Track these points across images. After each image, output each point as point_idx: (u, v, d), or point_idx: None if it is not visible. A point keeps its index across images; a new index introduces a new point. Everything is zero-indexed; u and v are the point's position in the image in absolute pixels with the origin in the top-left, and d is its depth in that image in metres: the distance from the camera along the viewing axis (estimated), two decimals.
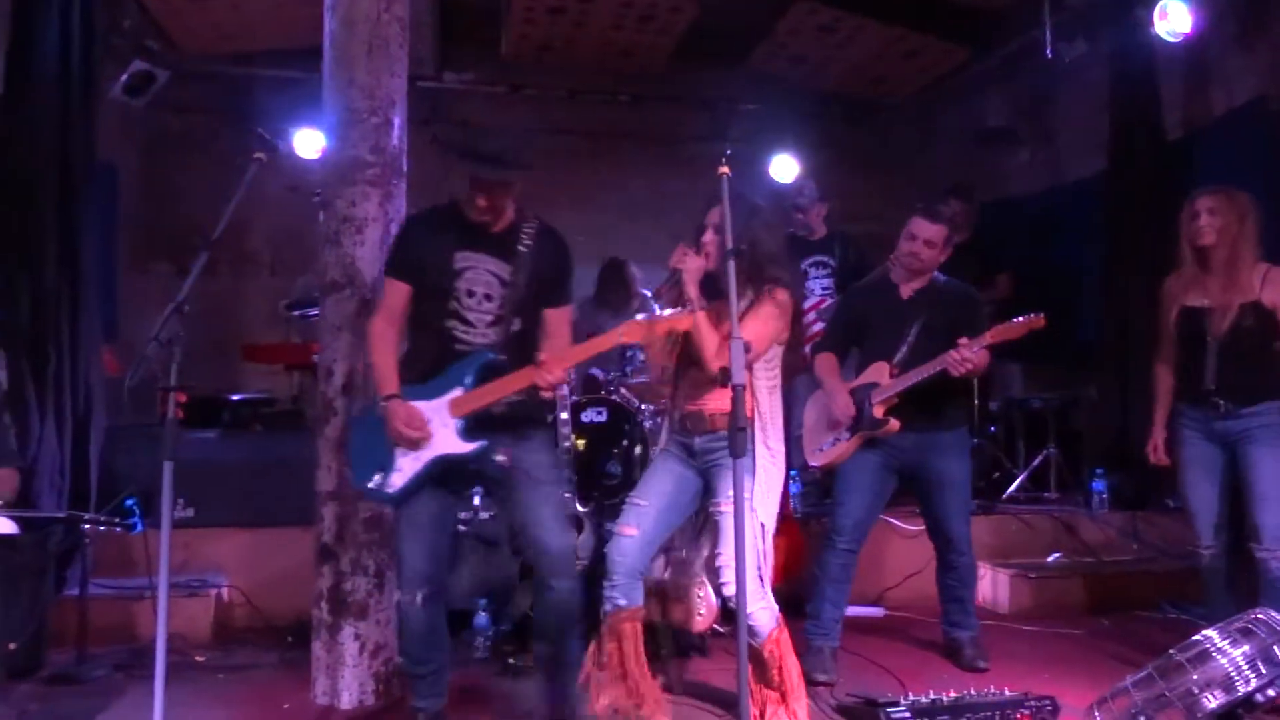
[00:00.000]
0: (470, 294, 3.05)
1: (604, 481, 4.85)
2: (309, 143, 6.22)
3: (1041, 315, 3.51)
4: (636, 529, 3.12)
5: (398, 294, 3.09)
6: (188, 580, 4.46)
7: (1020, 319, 3.52)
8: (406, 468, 2.98)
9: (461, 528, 4.18)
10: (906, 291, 3.87)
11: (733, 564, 2.79)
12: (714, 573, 3.20)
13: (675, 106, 7.55)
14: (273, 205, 6.46)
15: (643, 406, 4.99)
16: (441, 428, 2.97)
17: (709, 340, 2.97)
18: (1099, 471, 5.55)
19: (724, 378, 2.52)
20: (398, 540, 3.10)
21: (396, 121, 3.70)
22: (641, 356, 3.23)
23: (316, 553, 3.59)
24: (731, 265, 2.63)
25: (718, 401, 3.06)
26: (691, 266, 3.01)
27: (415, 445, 2.97)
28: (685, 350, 3.12)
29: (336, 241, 3.62)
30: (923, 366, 3.64)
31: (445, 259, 3.04)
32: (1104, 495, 5.49)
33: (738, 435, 2.46)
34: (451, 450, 2.97)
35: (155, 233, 6.85)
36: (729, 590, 2.93)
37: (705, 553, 3.45)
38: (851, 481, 3.82)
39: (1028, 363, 6.91)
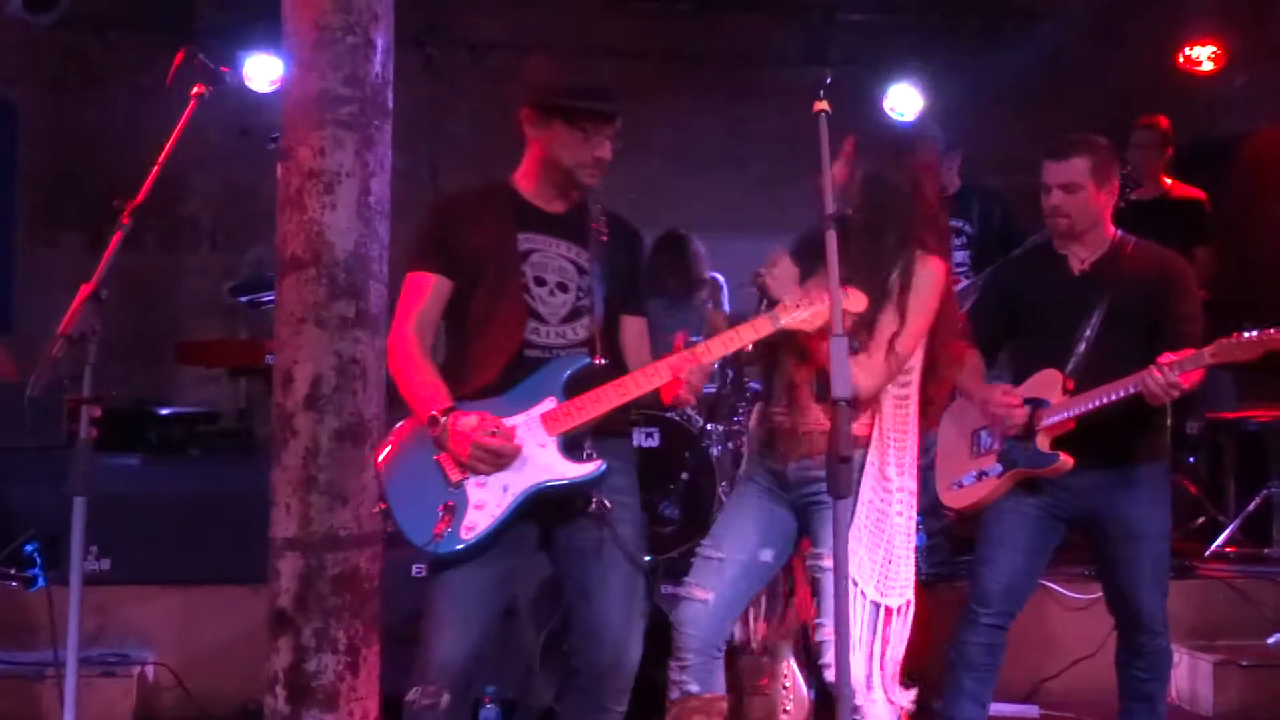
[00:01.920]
0: (541, 282, 3.09)
1: (657, 529, 4.84)
2: (264, 72, 6.30)
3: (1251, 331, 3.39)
4: (711, 592, 3.13)
5: (434, 293, 3.10)
6: (102, 655, 4.52)
7: (1255, 333, 3.37)
8: (490, 503, 2.93)
9: None
10: (1078, 264, 3.78)
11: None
12: (811, 650, 3.20)
13: (754, 17, 7.54)
14: (214, 154, 6.55)
15: (709, 427, 4.98)
16: (535, 448, 2.95)
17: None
18: None
19: (822, 390, 2.50)
20: (427, 615, 3.05)
21: (379, 42, 3.73)
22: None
23: (270, 621, 3.61)
24: (833, 237, 2.62)
25: (817, 414, 3.06)
26: (780, 276, 3.01)
27: (499, 466, 2.92)
28: (776, 346, 3.11)
29: (299, 204, 3.65)
30: (1112, 384, 3.52)
31: (504, 240, 3.09)
32: None
33: (839, 468, 2.44)
34: (556, 475, 2.94)
35: (63, 192, 6.99)
36: (830, 675, 2.93)
37: (794, 622, 3.45)
38: (1003, 533, 3.75)
39: (1239, 369, 6.76)
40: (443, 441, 2.91)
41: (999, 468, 3.71)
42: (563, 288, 3.11)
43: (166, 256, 7.19)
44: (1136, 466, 3.72)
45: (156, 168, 2.94)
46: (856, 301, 2.89)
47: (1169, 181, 5.93)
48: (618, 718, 3.08)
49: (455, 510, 2.92)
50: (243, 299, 5.84)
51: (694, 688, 3.11)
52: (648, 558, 4.57)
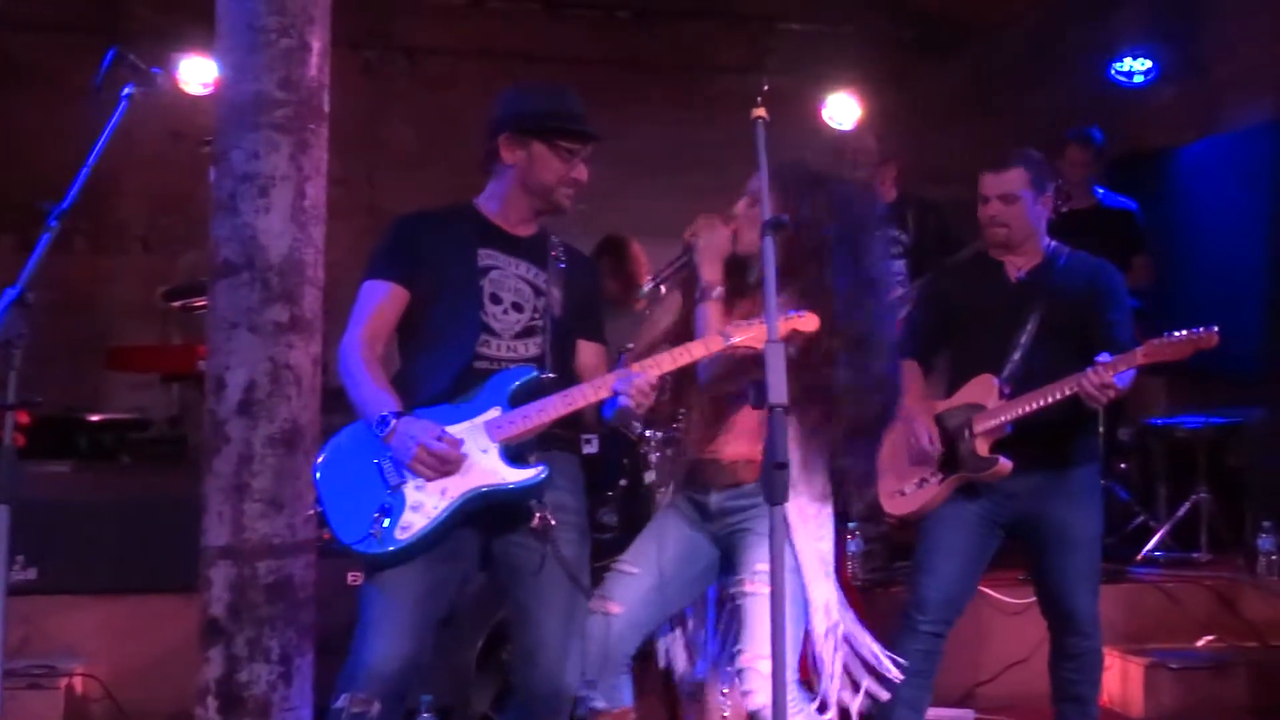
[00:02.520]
0: (496, 299, 3.11)
1: (595, 535, 4.83)
2: (197, 74, 6.24)
3: (1215, 331, 3.45)
4: (621, 605, 3.11)
5: (390, 303, 3.09)
6: (28, 666, 4.43)
7: (1183, 333, 3.45)
8: (428, 505, 2.92)
9: None
10: (1015, 271, 3.84)
11: (761, 665, 2.79)
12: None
13: (694, 25, 7.57)
14: (147, 157, 6.47)
15: (648, 434, 4.98)
16: (479, 454, 2.96)
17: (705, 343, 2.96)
18: (1267, 524, 5.52)
19: (758, 397, 2.50)
20: (361, 620, 3.02)
21: (315, 44, 3.71)
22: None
23: (202, 631, 3.58)
24: (770, 243, 2.62)
25: (740, 444, 3.07)
26: (709, 241, 3.05)
27: (443, 472, 2.92)
28: (690, 375, 3.11)
29: (233, 208, 3.63)
30: (1048, 387, 3.58)
31: (463, 254, 3.11)
32: (1274, 557, 5.45)
33: (776, 475, 2.43)
34: (496, 480, 2.94)
35: None
36: (751, 702, 2.93)
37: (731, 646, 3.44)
38: (942, 540, 3.79)
39: (1171, 377, 6.89)
40: (390, 442, 2.91)
41: (939, 475, 3.76)
42: (518, 307, 3.12)
43: (97, 260, 7.11)
44: (1070, 470, 3.77)
45: (85, 169, 2.90)
46: (809, 322, 2.91)
47: (1102, 192, 6.03)
48: None
49: (392, 511, 2.91)
50: (175, 304, 5.78)
51: (600, 704, 3.02)
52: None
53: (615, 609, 3.11)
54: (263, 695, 3.53)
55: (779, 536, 2.49)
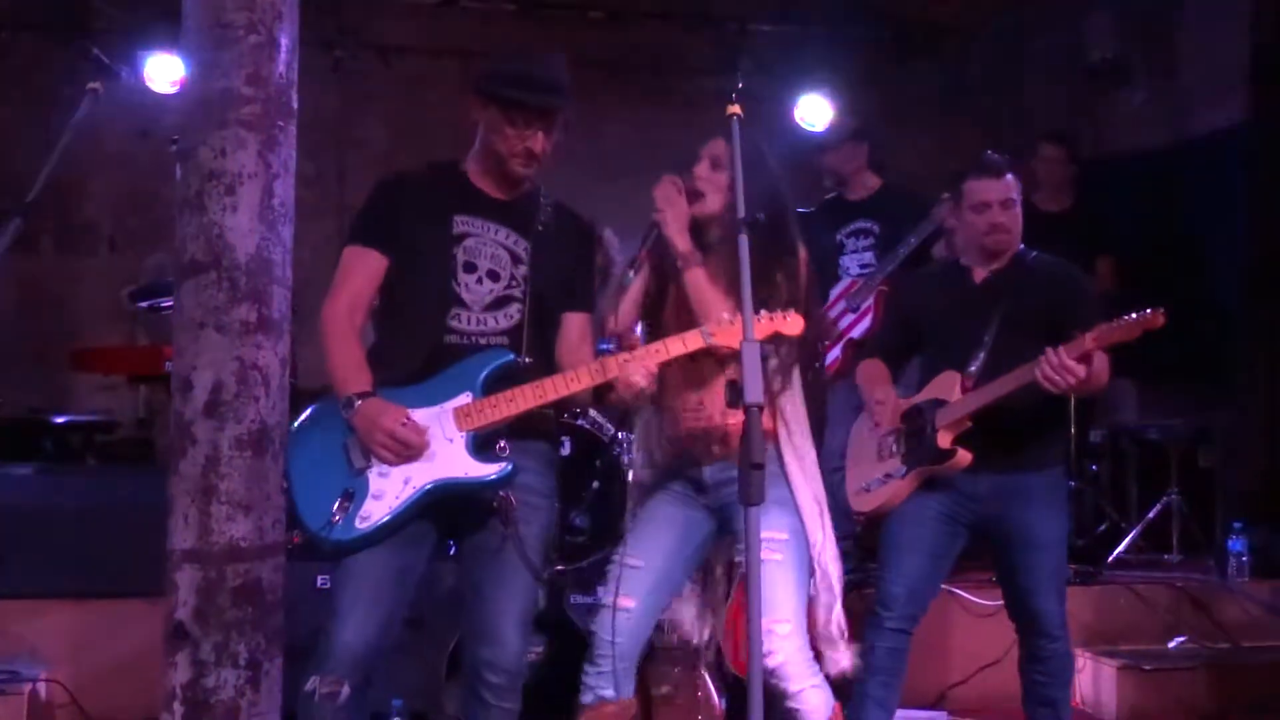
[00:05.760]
0: (471, 268, 3.08)
1: (568, 538, 4.82)
2: (165, 72, 6.19)
3: (1160, 311, 3.49)
4: (634, 600, 3.17)
5: (369, 269, 3.09)
6: None
7: (1132, 315, 3.51)
8: (389, 494, 2.92)
9: None
10: (981, 274, 3.86)
11: (779, 628, 2.90)
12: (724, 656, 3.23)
13: (667, 25, 7.57)
14: (114, 156, 6.44)
15: (620, 434, 4.96)
16: (443, 442, 2.94)
17: (714, 304, 3.01)
18: (1237, 526, 5.56)
19: (734, 396, 2.52)
20: (333, 602, 3.02)
21: (284, 41, 3.67)
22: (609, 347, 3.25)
23: (167, 635, 3.53)
24: (745, 240, 2.63)
25: (732, 412, 3.07)
26: (673, 213, 3.10)
27: (406, 458, 2.91)
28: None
29: (199, 206, 3.58)
30: (1005, 376, 3.62)
31: (438, 220, 3.09)
32: (1244, 558, 5.50)
33: (751, 475, 2.44)
34: (460, 473, 2.93)
35: None
36: (774, 661, 3.02)
37: (708, 629, 3.46)
38: (904, 536, 3.81)
39: (1143, 379, 6.93)
40: (353, 425, 2.91)
41: (903, 469, 3.80)
42: (493, 275, 3.09)
43: (63, 260, 7.06)
44: (1032, 473, 3.80)
45: (49, 167, 2.86)
46: (793, 324, 2.92)
47: (1072, 196, 6.04)
48: (507, 715, 3.03)
49: (354, 498, 2.91)
50: (142, 304, 5.74)
51: (609, 693, 3.14)
52: (559, 567, 4.54)
53: (629, 603, 3.17)
54: (230, 700, 3.48)
55: (754, 537, 2.50)
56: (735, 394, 2.59)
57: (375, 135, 7.46)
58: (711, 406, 3.17)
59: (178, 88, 5.61)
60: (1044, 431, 3.82)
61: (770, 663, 3.03)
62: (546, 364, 3.07)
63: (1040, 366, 3.50)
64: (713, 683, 3.58)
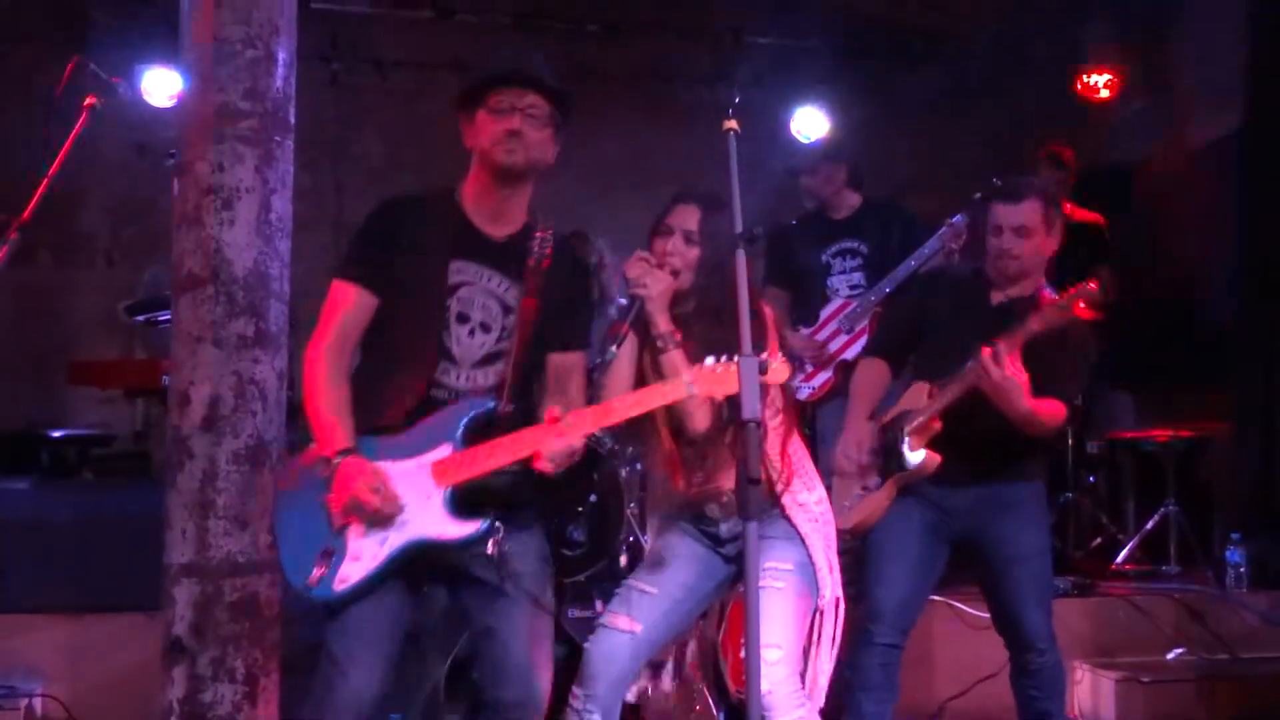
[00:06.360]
0: (464, 319, 2.98)
1: (565, 552, 4.80)
2: (162, 85, 6.20)
3: (1091, 280, 3.48)
4: (640, 624, 3.10)
5: (356, 308, 2.98)
6: None
7: (1067, 294, 3.47)
8: (366, 555, 2.84)
9: None
10: (998, 296, 3.82)
11: (768, 654, 2.85)
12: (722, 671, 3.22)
13: (662, 38, 7.58)
14: (112, 170, 6.44)
15: (617, 447, 4.96)
16: (420, 500, 2.85)
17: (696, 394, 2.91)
18: (1236, 537, 5.55)
19: (731, 414, 2.51)
20: (326, 661, 2.96)
21: (281, 56, 3.69)
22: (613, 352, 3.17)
23: (165, 650, 3.54)
24: (742, 256, 2.62)
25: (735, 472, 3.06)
26: (657, 289, 3.03)
27: (381, 522, 2.84)
28: (675, 415, 3.09)
29: (197, 220, 3.59)
30: (958, 376, 3.60)
31: (436, 267, 2.98)
32: (1242, 569, 5.49)
33: (749, 490, 2.43)
34: (436, 533, 2.84)
35: None
36: (761, 687, 2.94)
37: (689, 653, 3.45)
38: (890, 549, 3.80)
39: (1139, 389, 6.93)
40: (332, 485, 2.84)
41: (878, 480, 3.80)
42: (485, 328, 2.99)
43: (60, 273, 7.05)
44: (1010, 486, 3.81)
45: (46, 180, 2.87)
46: (779, 372, 2.88)
47: (1069, 207, 6.05)
48: None
49: (333, 558, 2.85)
50: (139, 318, 5.74)
51: (596, 718, 3.08)
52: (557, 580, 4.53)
53: (632, 627, 3.11)
54: (227, 715, 3.49)
55: (754, 554, 2.49)
56: (733, 411, 2.58)
57: (372, 149, 7.48)
58: (719, 478, 3.13)
59: (175, 102, 5.61)
60: (1021, 443, 3.75)
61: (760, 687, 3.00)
62: (528, 413, 2.96)
63: (983, 361, 3.47)
64: (711, 697, 3.57)
